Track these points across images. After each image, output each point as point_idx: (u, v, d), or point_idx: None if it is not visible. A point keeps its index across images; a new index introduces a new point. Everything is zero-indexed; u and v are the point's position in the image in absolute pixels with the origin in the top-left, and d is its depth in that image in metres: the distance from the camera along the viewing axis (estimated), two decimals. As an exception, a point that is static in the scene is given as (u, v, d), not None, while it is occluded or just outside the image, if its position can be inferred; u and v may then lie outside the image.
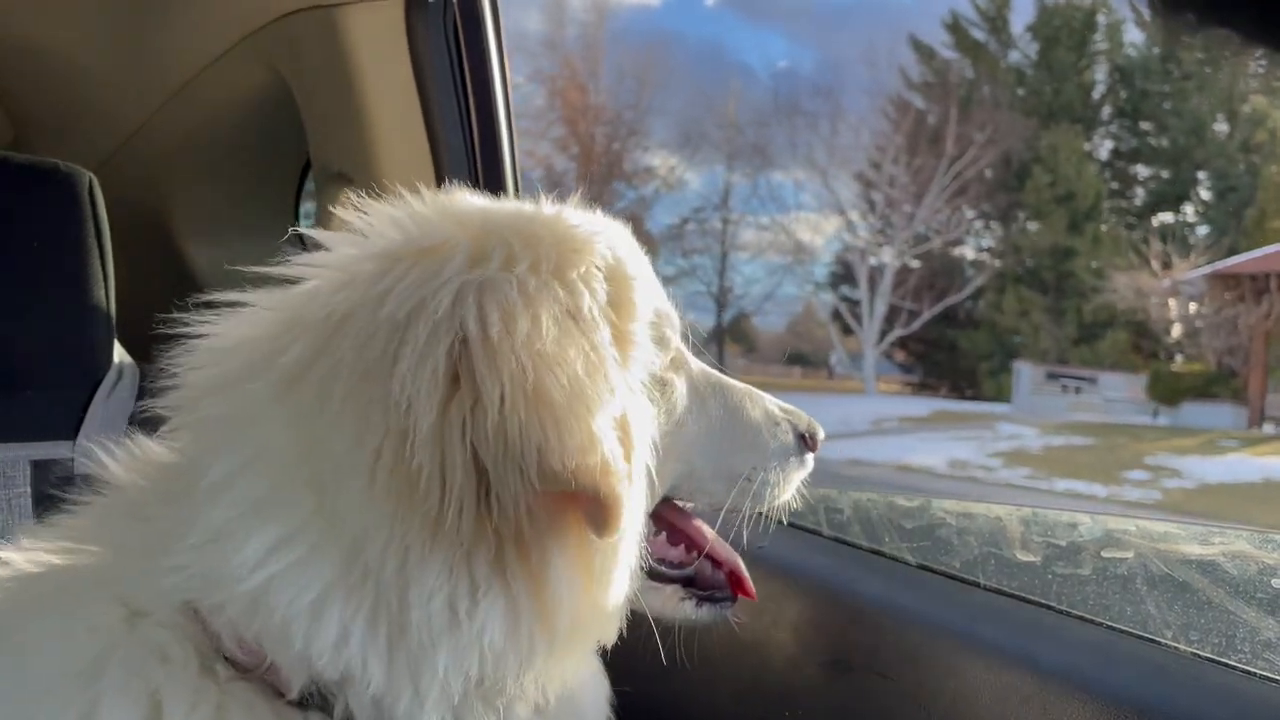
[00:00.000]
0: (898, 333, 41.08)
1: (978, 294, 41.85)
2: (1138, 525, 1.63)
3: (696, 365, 1.52)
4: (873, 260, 40.97)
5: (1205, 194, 39.74)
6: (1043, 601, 1.61)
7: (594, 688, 1.38)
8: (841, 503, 2.13)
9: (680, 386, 1.45)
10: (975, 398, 39.74)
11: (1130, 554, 1.57)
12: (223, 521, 1.06)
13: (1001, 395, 37.46)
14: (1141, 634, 1.48)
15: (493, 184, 2.44)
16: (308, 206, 3.03)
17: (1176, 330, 34.68)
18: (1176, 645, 1.43)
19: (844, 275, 44.05)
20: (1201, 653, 1.41)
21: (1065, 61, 39.67)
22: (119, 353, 2.23)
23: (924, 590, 1.79)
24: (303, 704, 1.09)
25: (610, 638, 1.24)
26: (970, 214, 40.86)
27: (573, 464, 1.01)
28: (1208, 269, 31.03)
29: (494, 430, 1.01)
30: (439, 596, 1.05)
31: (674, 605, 1.51)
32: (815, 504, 2.13)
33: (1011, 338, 40.25)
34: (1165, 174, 40.20)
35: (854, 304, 42.34)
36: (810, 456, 1.58)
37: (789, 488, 1.55)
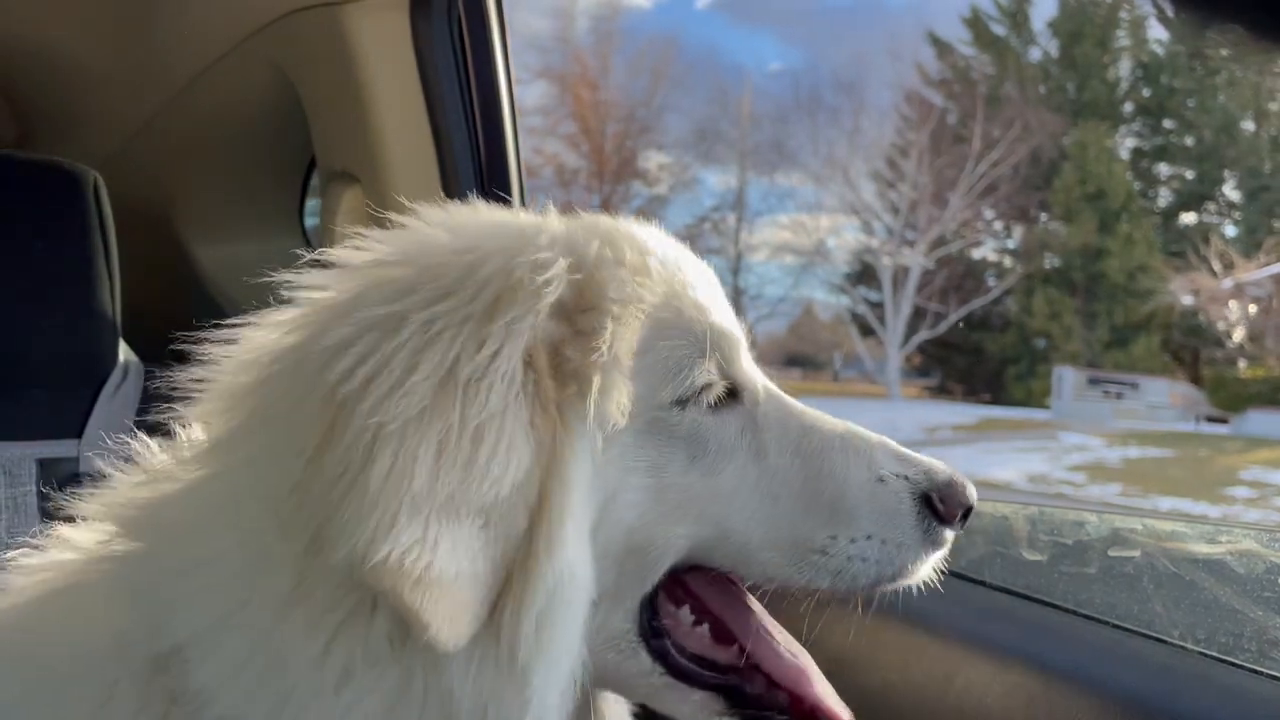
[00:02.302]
0: (923, 335, 40.39)
1: (1005, 295, 41.22)
2: (1144, 524, 1.63)
3: (766, 400, 1.24)
4: (897, 261, 40.39)
5: (1233, 194, 39.24)
6: (1049, 600, 1.61)
7: None
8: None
9: (719, 431, 1.18)
10: (994, 402, 39.18)
11: (1137, 553, 1.57)
12: (192, 575, 1.05)
13: (1031, 400, 36.75)
14: (1148, 633, 1.47)
15: (497, 181, 2.43)
16: (312, 204, 3.03)
17: (1239, 334, 33.10)
18: (1183, 644, 1.43)
19: (863, 276, 43.55)
20: (1208, 651, 1.41)
21: (1089, 58, 39.17)
22: (124, 351, 2.24)
23: (930, 588, 1.78)
24: None
25: None
26: (995, 213, 40.36)
27: (362, 557, 0.93)
28: (1275, 268, 29.93)
29: (323, 499, 0.96)
30: (320, 664, 0.99)
31: None
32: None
33: (1039, 341, 39.77)
34: (1190, 173, 39.74)
35: (874, 305, 41.85)
36: (946, 533, 1.21)
37: (907, 568, 1.20)
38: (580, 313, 1.11)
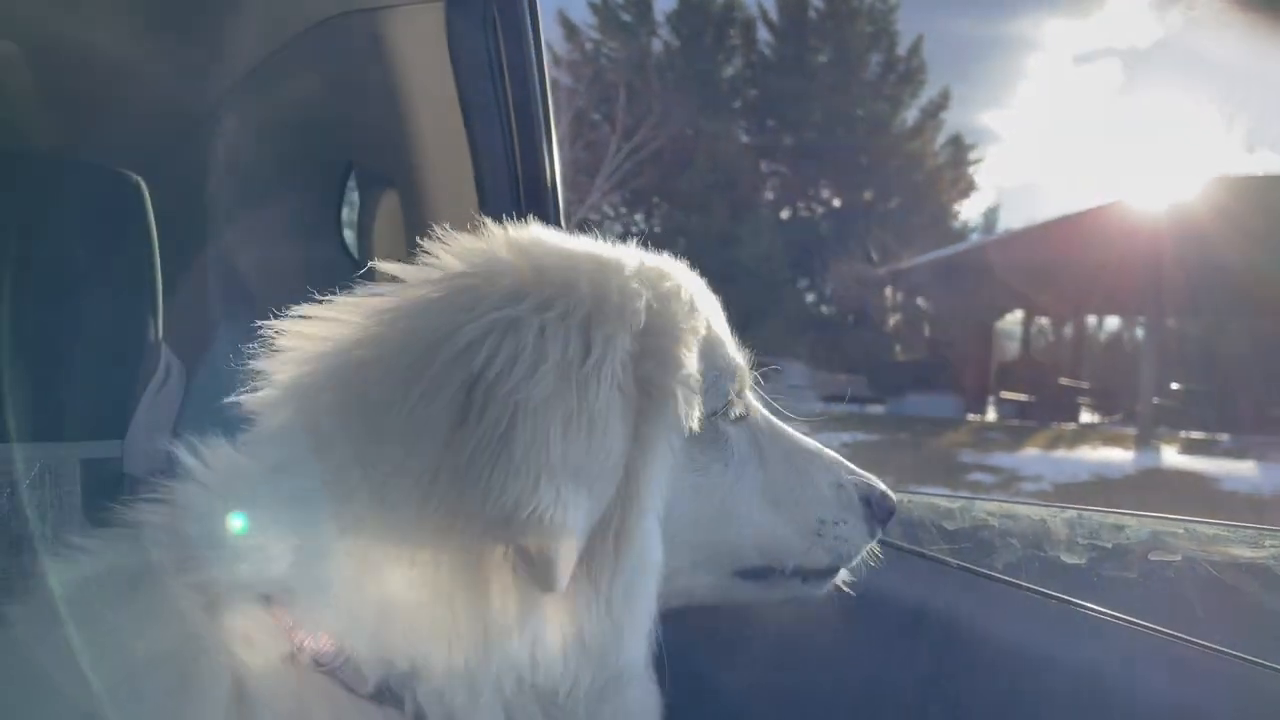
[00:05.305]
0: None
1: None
2: (1186, 528, 1.61)
3: (763, 419, 1.54)
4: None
5: (826, 192, 40.22)
6: (1089, 606, 1.59)
7: (644, 683, 1.38)
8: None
9: (739, 441, 1.46)
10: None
11: (1178, 557, 1.56)
12: (304, 530, 1.16)
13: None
14: (1190, 639, 1.46)
15: (532, 187, 2.44)
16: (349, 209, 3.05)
17: (894, 320, 35.71)
18: (1223, 650, 1.42)
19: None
20: (1246, 656, 1.39)
21: (709, 53, 39.23)
22: (165, 352, 2.26)
23: (967, 592, 1.77)
24: (378, 698, 1.16)
25: (629, 660, 1.28)
26: (635, 199, 39.46)
27: (509, 516, 1.09)
28: (927, 258, 30.45)
29: (469, 470, 1.11)
30: (492, 608, 1.15)
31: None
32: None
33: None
34: (788, 171, 40.10)
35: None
36: (877, 529, 1.54)
37: (863, 548, 1.52)
38: (650, 336, 1.29)
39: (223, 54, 2.70)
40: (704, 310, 1.46)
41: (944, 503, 2.06)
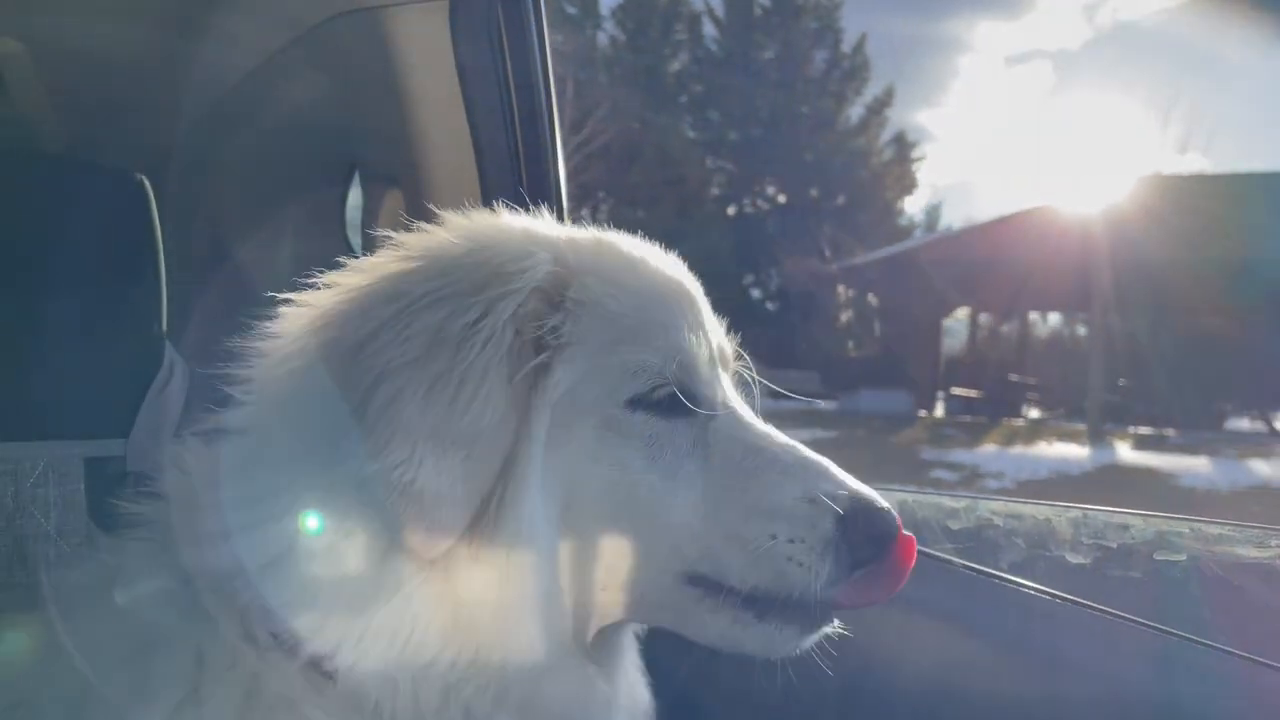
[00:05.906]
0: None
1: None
2: (1191, 528, 1.61)
3: (725, 414, 1.38)
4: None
5: (771, 188, 40.51)
6: (1094, 605, 1.59)
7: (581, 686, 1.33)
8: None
9: (674, 435, 1.32)
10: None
11: (1183, 556, 1.55)
12: (256, 510, 1.22)
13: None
14: (1194, 638, 1.45)
15: (536, 185, 2.43)
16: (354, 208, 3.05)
17: (846, 315, 36.34)
18: (1227, 649, 1.41)
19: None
20: (1250, 656, 1.39)
21: (655, 48, 39.30)
22: (169, 351, 2.26)
23: (972, 591, 1.77)
24: (319, 671, 1.20)
25: (518, 642, 1.24)
26: (575, 194, 39.31)
27: (358, 473, 1.15)
28: (877, 254, 30.80)
29: (339, 436, 1.17)
30: (373, 576, 1.19)
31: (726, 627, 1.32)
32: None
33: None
34: (733, 167, 40.33)
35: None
36: (866, 551, 1.27)
37: (834, 581, 1.27)
38: (552, 304, 1.30)
39: (228, 52, 2.70)
40: (643, 290, 1.37)
41: (949, 502, 2.06)
